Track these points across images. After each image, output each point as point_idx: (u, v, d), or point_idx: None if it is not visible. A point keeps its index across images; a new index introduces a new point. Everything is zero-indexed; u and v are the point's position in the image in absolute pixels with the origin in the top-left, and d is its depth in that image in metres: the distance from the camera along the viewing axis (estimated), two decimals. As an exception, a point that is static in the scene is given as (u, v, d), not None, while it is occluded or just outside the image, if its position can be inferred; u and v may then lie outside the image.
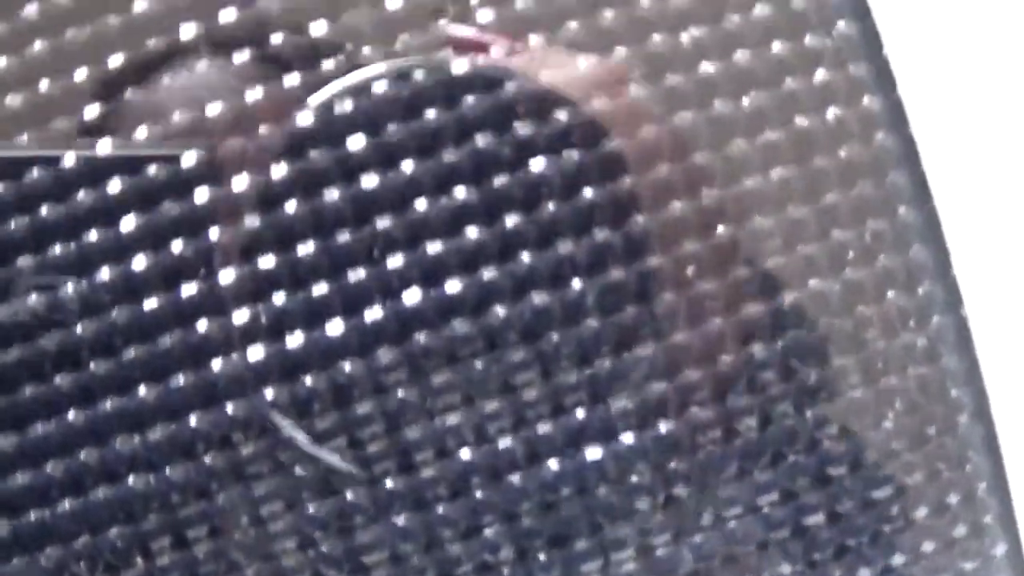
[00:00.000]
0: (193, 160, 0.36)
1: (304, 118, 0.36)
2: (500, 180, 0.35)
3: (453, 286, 0.35)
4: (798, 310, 0.35)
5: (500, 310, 0.35)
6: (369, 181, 0.35)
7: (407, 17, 0.36)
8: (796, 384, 0.35)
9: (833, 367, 0.35)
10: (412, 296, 0.35)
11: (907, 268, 0.35)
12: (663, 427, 0.35)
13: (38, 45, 0.36)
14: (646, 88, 0.35)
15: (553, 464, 0.35)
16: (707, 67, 0.34)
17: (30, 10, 0.37)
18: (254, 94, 0.36)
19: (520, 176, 0.35)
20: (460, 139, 0.35)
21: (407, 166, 0.35)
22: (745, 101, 0.35)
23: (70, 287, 0.36)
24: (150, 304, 0.35)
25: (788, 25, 0.36)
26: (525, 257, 0.34)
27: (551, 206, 0.35)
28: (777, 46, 0.35)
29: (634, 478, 0.35)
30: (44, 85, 0.36)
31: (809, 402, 0.35)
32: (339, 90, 0.37)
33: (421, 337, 0.35)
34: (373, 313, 0.35)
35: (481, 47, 0.38)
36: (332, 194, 0.35)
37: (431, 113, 0.35)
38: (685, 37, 0.35)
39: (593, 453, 0.35)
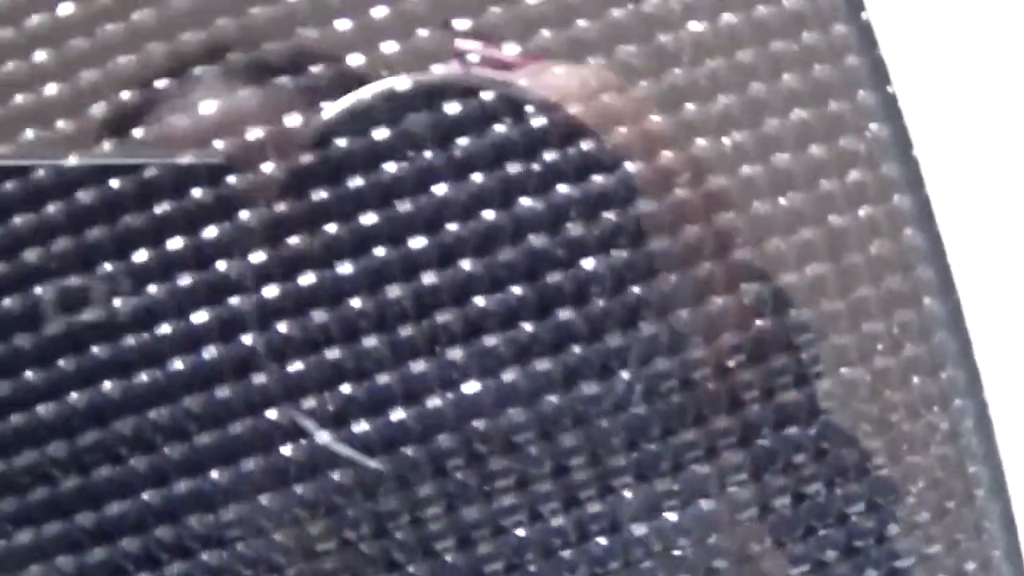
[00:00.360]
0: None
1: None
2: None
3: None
4: (831, 396, 0.38)
5: (552, 399, 0.37)
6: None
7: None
8: (829, 464, 0.38)
9: (862, 449, 0.38)
10: (471, 387, 0.37)
11: (931, 355, 0.38)
12: (705, 505, 0.38)
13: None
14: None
15: (602, 540, 0.37)
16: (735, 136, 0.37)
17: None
18: (292, 120, 0.38)
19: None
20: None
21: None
22: (783, 200, 0.37)
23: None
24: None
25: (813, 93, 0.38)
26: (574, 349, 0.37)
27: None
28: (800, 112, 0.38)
29: (676, 552, 0.38)
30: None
31: (840, 481, 0.38)
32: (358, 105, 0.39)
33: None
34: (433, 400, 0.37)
35: (495, 63, 0.40)
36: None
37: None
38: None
39: (639, 530, 0.38)
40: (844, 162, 0.38)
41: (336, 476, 0.37)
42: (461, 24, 0.40)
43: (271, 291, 0.37)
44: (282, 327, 0.37)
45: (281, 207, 0.38)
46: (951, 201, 0.38)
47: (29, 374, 0.38)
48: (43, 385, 0.38)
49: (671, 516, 0.38)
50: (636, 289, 0.37)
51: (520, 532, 0.37)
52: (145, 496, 0.37)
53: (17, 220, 0.38)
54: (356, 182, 0.37)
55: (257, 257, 0.37)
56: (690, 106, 0.37)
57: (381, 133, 0.38)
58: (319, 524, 0.38)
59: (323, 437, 0.38)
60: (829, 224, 0.37)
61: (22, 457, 0.38)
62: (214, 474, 0.37)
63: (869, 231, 0.38)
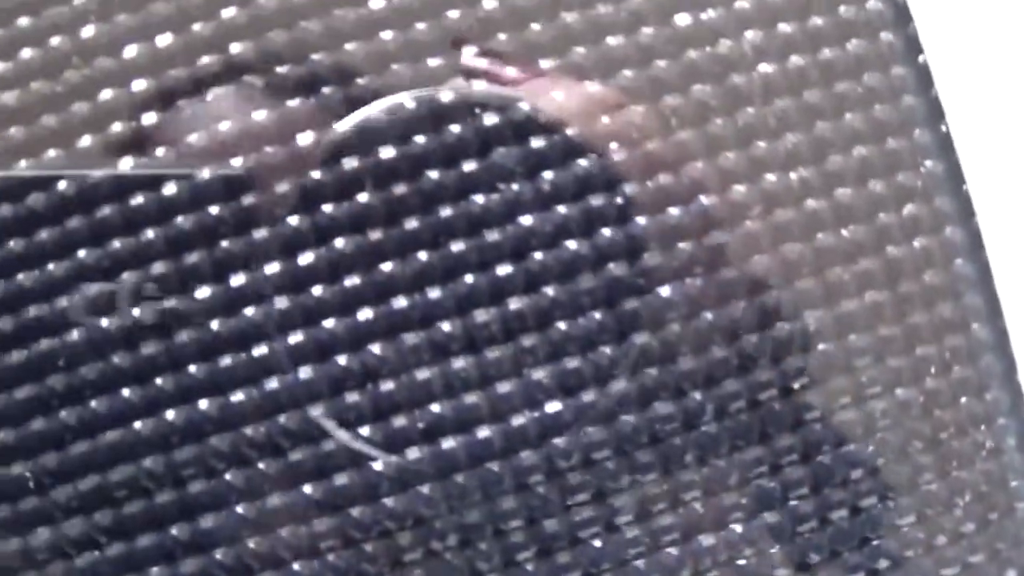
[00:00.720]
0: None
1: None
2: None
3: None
4: (886, 415, 0.40)
5: (629, 418, 0.40)
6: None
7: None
8: (883, 480, 0.40)
9: (913, 465, 0.41)
10: (553, 406, 0.40)
11: (978, 376, 0.41)
12: (768, 517, 0.40)
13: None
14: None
15: (672, 550, 0.40)
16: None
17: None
18: (305, 137, 0.40)
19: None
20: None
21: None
22: (845, 232, 0.40)
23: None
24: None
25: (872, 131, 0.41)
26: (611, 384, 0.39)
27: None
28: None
29: (741, 562, 0.40)
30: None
31: (892, 495, 0.41)
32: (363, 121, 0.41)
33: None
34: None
35: (498, 78, 0.43)
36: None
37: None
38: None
39: (707, 540, 0.40)
40: (901, 196, 0.40)
41: (425, 490, 0.39)
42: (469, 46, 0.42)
43: (365, 314, 0.39)
44: (376, 349, 0.39)
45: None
46: (999, 232, 0.41)
47: (126, 391, 0.40)
48: (140, 402, 0.40)
49: (737, 528, 0.40)
50: (708, 315, 0.40)
51: (596, 543, 0.40)
52: (239, 509, 0.39)
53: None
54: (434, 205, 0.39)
55: (352, 281, 0.39)
56: (760, 143, 0.39)
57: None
58: (407, 535, 0.40)
59: (341, 435, 0.40)
60: (887, 255, 0.40)
61: (117, 471, 0.40)
62: (307, 488, 0.39)
63: (923, 261, 0.40)
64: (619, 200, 0.39)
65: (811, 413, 0.40)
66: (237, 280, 0.39)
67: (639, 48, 0.39)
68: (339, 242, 0.39)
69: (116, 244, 0.39)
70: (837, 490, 0.40)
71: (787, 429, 0.40)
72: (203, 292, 0.39)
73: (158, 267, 0.39)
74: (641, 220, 0.39)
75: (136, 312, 0.39)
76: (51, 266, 0.40)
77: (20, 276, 0.40)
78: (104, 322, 0.40)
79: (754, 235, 0.39)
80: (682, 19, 0.39)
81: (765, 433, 0.40)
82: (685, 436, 0.40)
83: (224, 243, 0.39)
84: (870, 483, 0.40)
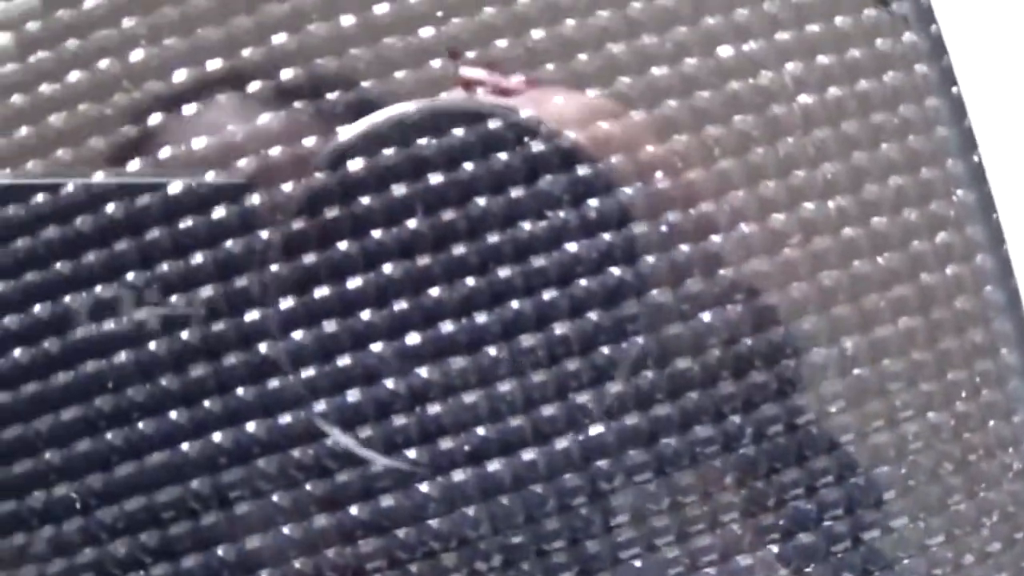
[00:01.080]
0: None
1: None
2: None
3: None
4: (918, 438, 0.42)
5: (669, 441, 0.40)
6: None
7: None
8: (913, 501, 0.42)
9: (943, 486, 0.42)
10: (596, 429, 0.40)
11: (1007, 400, 0.42)
12: (804, 538, 0.41)
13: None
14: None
15: (711, 571, 0.41)
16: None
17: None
18: (308, 142, 0.41)
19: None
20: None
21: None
22: (880, 260, 0.41)
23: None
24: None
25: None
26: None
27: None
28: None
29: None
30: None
31: (923, 515, 0.42)
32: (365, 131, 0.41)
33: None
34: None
35: (498, 88, 0.43)
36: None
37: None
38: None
39: (745, 560, 0.41)
40: (934, 225, 0.41)
41: (470, 511, 0.40)
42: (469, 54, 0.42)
43: (412, 338, 0.40)
44: (423, 373, 0.40)
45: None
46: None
47: (174, 414, 0.40)
48: (188, 423, 0.40)
49: (774, 548, 0.41)
50: (748, 341, 0.40)
51: (637, 563, 0.40)
52: (286, 530, 0.40)
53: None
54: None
55: (400, 305, 0.40)
56: (799, 173, 0.40)
57: (390, 156, 0.40)
58: (452, 556, 0.40)
59: (343, 439, 0.40)
60: (920, 281, 0.41)
61: (164, 492, 0.40)
62: (353, 510, 0.40)
63: (955, 288, 0.41)
64: (663, 228, 0.40)
65: (845, 435, 0.41)
66: (286, 304, 0.40)
67: (682, 78, 0.40)
68: (387, 267, 0.40)
69: (165, 267, 0.40)
70: (871, 511, 0.41)
71: (823, 451, 0.41)
72: (252, 315, 0.40)
73: (206, 291, 0.40)
74: (684, 248, 0.40)
75: (185, 336, 0.40)
76: (99, 288, 0.40)
77: (67, 298, 0.40)
78: (152, 345, 0.40)
79: (792, 263, 0.40)
80: (724, 51, 0.40)
81: (801, 455, 0.41)
82: (724, 458, 0.41)
83: (274, 267, 0.39)
84: (901, 504, 0.42)
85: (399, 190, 0.40)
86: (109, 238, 0.40)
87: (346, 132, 0.41)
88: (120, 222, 0.40)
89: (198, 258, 0.40)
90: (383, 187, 0.40)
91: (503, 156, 0.40)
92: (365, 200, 0.40)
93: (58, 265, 0.40)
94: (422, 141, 0.40)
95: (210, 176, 0.41)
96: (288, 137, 0.41)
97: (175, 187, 0.40)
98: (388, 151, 0.40)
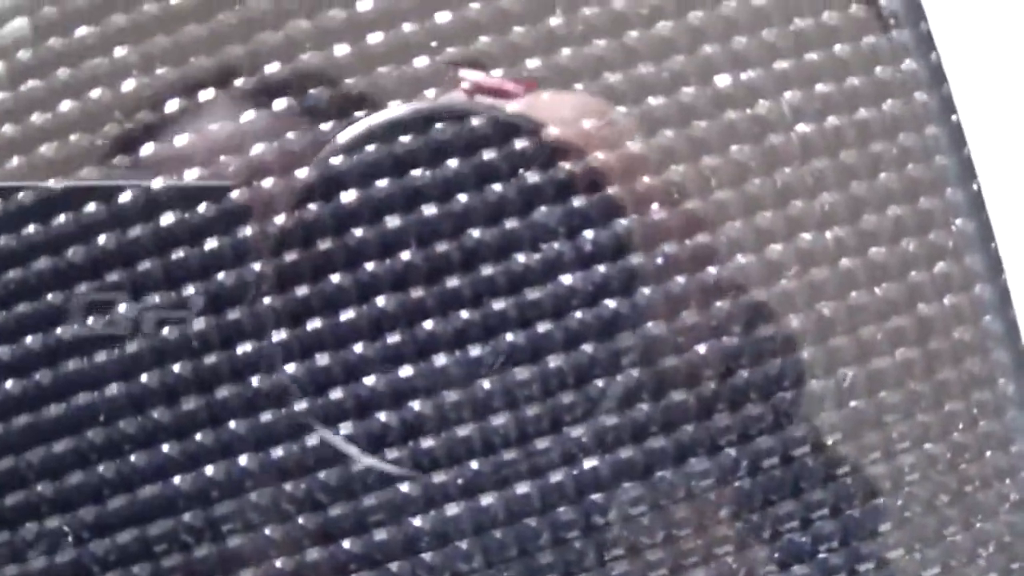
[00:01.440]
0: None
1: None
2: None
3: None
4: (914, 469, 0.41)
5: (664, 474, 0.40)
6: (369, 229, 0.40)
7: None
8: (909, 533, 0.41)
9: (939, 517, 0.41)
10: (590, 462, 0.40)
11: (1004, 430, 0.41)
12: (798, 570, 0.41)
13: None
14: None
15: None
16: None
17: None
18: (292, 141, 0.41)
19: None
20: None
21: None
22: (878, 291, 0.41)
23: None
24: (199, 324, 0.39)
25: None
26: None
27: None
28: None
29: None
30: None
31: (920, 547, 0.41)
32: (359, 133, 0.41)
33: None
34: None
35: (496, 92, 0.43)
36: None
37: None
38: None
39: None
40: (932, 254, 0.41)
41: (464, 545, 0.40)
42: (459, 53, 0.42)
43: (405, 371, 0.40)
44: (415, 405, 0.40)
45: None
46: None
47: (165, 446, 0.40)
48: (180, 456, 0.40)
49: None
50: (744, 373, 0.40)
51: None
52: (278, 563, 0.40)
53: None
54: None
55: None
56: (797, 203, 0.40)
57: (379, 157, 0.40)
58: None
59: (350, 449, 0.40)
60: (918, 312, 0.41)
61: (156, 525, 0.40)
62: (345, 543, 0.40)
63: (953, 318, 0.41)
64: (659, 259, 0.40)
65: (841, 468, 0.41)
66: (278, 336, 0.40)
67: (680, 108, 0.39)
68: (380, 300, 0.39)
69: (156, 299, 0.39)
70: (867, 543, 0.41)
71: (818, 483, 0.41)
72: (243, 348, 0.40)
73: (199, 323, 0.39)
74: (680, 280, 0.40)
75: (177, 369, 0.40)
76: (91, 320, 0.40)
77: (59, 330, 0.40)
78: (144, 377, 0.40)
79: (790, 293, 0.40)
80: (722, 80, 0.40)
81: (797, 487, 0.41)
82: (719, 490, 0.40)
83: (267, 299, 0.39)
84: (897, 536, 0.41)
85: (392, 219, 0.40)
86: (101, 269, 0.40)
87: (340, 134, 0.41)
88: (112, 253, 0.40)
89: (190, 289, 0.40)
90: (376, 209, 0.40)
91: (489, 154, 0.40)
92: (358, 231, 0.39)
93: (49, 296, 0.40)
94: (417, 142, 0.40)
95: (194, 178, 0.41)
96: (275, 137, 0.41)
97: (167, 219, 0.40)
98: (380, 156, 0.40)
